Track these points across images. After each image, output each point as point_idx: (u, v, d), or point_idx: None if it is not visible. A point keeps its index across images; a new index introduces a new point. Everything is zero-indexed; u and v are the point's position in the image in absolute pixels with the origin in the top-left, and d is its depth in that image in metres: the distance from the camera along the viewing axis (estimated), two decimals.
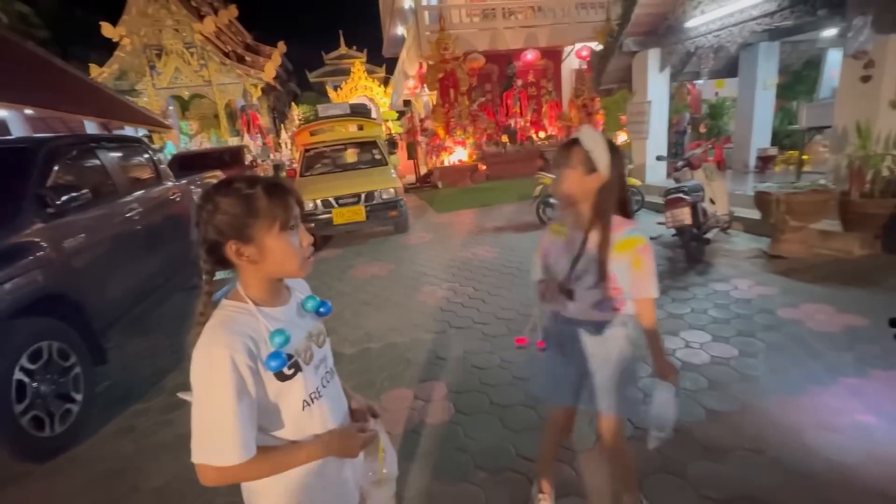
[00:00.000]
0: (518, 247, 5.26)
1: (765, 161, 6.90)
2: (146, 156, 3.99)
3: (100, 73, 15.75)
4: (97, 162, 3.26)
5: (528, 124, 13.03)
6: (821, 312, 2.94)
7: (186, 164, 7.73)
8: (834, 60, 4.70)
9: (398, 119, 16.95)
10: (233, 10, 17.77)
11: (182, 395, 0.84)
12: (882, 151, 3.70)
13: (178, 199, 4.10)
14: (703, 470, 1.78)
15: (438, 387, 2.58)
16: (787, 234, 3.99)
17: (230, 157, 8.08)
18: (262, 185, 0.81)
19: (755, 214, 4.43)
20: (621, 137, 8.69)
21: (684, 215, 3.91)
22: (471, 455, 2.01)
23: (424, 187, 11.79)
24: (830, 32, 5.56)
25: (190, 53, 16.61)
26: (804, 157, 6.33)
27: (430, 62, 12.15)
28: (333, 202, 5.79)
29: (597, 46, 11.06)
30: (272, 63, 18.07)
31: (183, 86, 16.88)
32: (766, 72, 6.78)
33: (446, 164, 11.50)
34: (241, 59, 18.06)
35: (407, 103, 15.42)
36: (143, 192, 3.62)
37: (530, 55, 13.04)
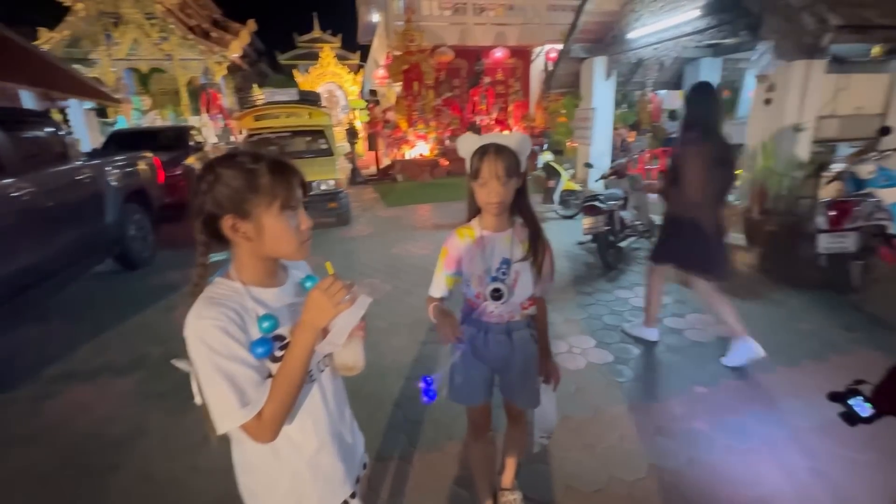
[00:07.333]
0: None
1: None
2: (51, 132, 3.80)
3: (49, 39, 14.85)
4: None
5: (492, 122, 13.08)
6: (701, 322, 3.10)
7: (125, 142, 7.34)
8: (752, 81, 4.97)
9: (366, 108, 16.69)
10: None
11: (175, 363, 0.83)
12: (782, 172, 3.91)
13: (87, 180, 3.93)
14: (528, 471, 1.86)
15: None
16: None
17: (173, 138, 7.69)
18: (266, 162, 0.80)
19: None
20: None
21: (598, 223, 4.03)
22: None
23: (384, 180, 11.71)
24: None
25: (150, 25, 15.87)
26: None
27: (397, 53, 12.02)
28: None
29: None
30: (239, 41, 17.46)
31: (141, 58, 16.13)
32: None
33: (407, 157, 11.45)
34: (206, 35, 17.35)
35: (373, 93, 15.19)
36: (40, 171, 3.44)
37: (499, 53, 13.07)
